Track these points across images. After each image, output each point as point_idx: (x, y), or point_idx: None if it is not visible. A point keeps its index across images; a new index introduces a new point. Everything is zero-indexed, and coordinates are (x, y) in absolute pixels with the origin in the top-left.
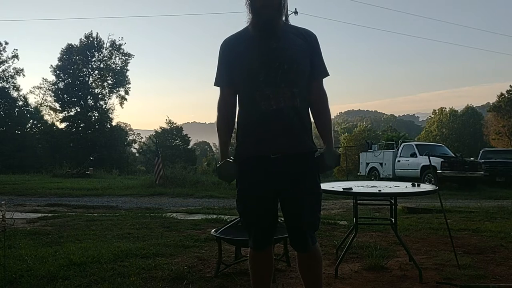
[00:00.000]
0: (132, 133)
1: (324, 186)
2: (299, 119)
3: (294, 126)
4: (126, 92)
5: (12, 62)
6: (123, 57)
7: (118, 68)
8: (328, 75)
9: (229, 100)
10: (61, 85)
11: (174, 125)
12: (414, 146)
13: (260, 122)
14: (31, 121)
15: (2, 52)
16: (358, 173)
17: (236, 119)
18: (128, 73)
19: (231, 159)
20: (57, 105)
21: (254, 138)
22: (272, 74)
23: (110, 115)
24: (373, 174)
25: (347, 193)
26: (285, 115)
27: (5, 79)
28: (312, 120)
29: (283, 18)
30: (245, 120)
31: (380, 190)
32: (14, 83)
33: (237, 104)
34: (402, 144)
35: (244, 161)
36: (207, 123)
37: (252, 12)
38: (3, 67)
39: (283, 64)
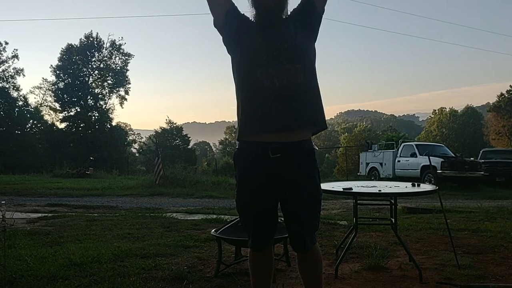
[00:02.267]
0: (132, 133)
1: (324, 186)
2: (305, 94)
3: (298, 102)
4: (126, 92)
5: (12, 62)
6: (123, 57)
7: (118, 68)
8: None
9: None
10: (61, 85)
11: (174, 125)
12: (414, 146)
13: (264, 100)
14: (31, 121)
15: (2, 52)
16: (358, 173)
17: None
18: (128, 73)
19: None
20: (57, 105)
21: (258, 116)
22: (274, 53)
23: (110, 115)
24: (373, 174)
25: (347, 193)
26: (290, 91)
27: (5, 79)
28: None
29: (286, 10)
30: (247, 101)
31: (380, 190)
32: (14, 83)
33: (238, 88)
34: (402, 144)
35: (242, 160)
36: (207, 123)
37: (254, 6)
38: (3, 67)
39: (284, 43)
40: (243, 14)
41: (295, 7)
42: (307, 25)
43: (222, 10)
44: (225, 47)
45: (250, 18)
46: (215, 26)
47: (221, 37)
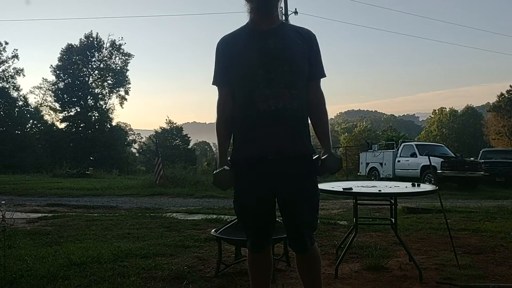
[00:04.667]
0: (132, 133)
1: (324, 186)
2: (298, 120)
3: (293, 127)
4: (126, 92)
5: (12, 62)
6: (123, 57)
7: (118, 68)
8: (325, 76)
9: (228, 100)
10: (61, 85)
11: (174, 125)
12: (414, 146)
13: (259, 123)
14: (31, 121)
15: (2, 52)
16: (358, 173)
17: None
18: (128, 73)
19: (228, 166)
20: (57, 105)
21: (252, 139)
22: (271, 75)
23: (110, 115)
24: (373, 174)
25: (347, 193)
26: (284, 116)
27: (5, 79)
28: (309, 122)
29: (279, 4)
30: (243, 121)
31: (380, 190)
32: (14, 83)
33: (236, 109)
34: (402, 144)
35: (241, 162)
36: (207, 123)
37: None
38: (3, 67)
39: (283, 65)
40: (224, 52)
41: (312, 41)
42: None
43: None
44: None
45: (246, 15)
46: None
47: (220, 36)
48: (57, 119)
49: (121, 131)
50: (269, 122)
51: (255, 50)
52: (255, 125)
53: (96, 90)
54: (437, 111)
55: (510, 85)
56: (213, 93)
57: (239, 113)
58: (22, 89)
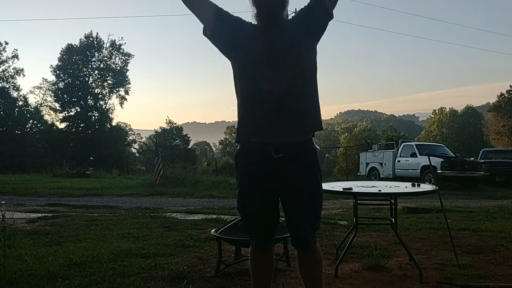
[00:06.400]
0: (132, 133)
1: (324, 186)
2: (303, 100)
3: (298, 107)
4: (126, 92)
5: (12, 62)
6: (123, 57)
7: (118, 68)
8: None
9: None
10: (61, 85)
11: (174, 125)
12: (414, 146)
13: (263, 104)
14: (31, 121)
15: (2, 52)
16: (358, 173)
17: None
18: (128, 73)
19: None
20: (57, 105)
21: (258, 120)
22: (274, 58)
23: (110, 115)
24: (373, 174)
25: (347, 193)
26: (289, 97)
27: (5, 79)
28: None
29: (287, 10)
30: (247, 104)
31: (380, 190)
32: (14, 83)
33: (239, 91)
34: (402, 144)
35: (243, 160)
36: (207, 123)
37: (255, 4)
38: (3, 67)
39: (285, 47)
40: (234, 16)
41: (302, 8)
42: (312, 29)
43: (209, 14)
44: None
45: (251, 18)
46: (204, 35)
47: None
48: (57, 119)
49: (121, 131)
50: (274, 103)
51: (259, 37)
52: (260, 107)
53: (96, 90)
54: (437, 111)
55: (510, 85)
56: (213, 94)
57: (244, 97)
58: (22, 89)
